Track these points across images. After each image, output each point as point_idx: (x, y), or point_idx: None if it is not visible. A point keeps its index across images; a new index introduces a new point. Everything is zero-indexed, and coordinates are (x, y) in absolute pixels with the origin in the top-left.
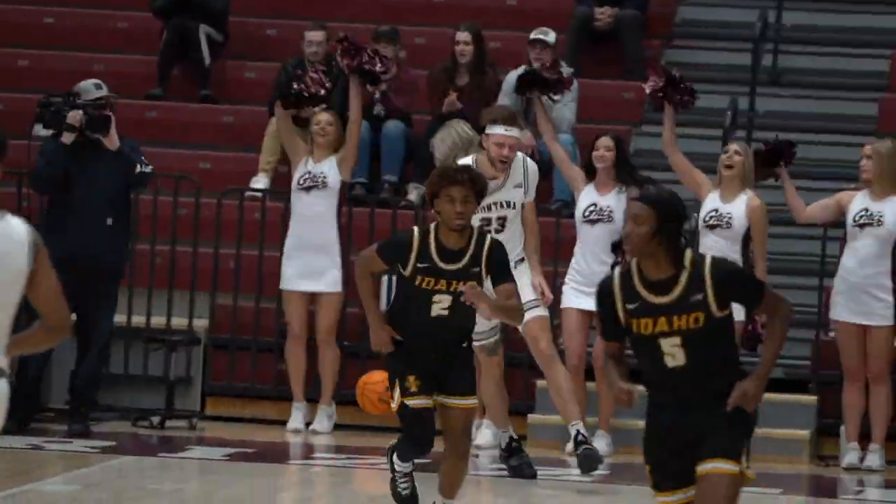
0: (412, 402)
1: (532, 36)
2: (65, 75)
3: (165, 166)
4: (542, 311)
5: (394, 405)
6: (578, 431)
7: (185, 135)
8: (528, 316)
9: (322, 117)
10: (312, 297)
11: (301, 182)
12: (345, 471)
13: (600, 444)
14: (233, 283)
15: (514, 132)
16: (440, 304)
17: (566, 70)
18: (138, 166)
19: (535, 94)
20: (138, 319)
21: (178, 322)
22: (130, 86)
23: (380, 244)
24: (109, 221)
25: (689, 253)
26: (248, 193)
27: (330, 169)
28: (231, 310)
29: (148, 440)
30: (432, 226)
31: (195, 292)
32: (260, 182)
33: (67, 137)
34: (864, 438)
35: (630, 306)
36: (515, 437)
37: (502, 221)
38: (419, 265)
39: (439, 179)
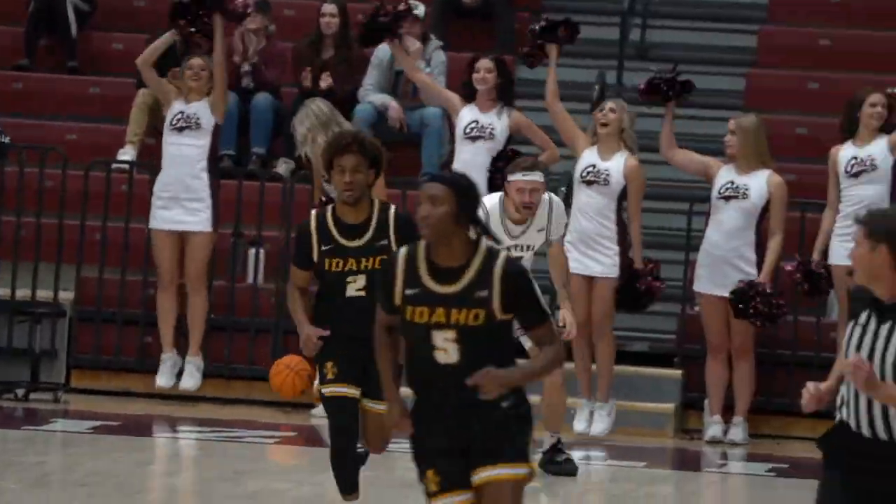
0: (327, 390)
1: (400, 8)
2: None
3: (32, 138)
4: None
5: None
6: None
7: (51, 106)
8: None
9: (195, 62)
10: (181, 241)
11: (174, 122)
12: (210, 444)
13: (737, 430)
14: (99, 255)
15: (533, 177)
16: (354, 285)
17: (415, 4)
18: None
19: (387, 40)
20: (3, 292)
21: (44, 294)
22: None
23: (292, 259)
24: None
25: (483, 244)
26: (114, 165)
27: (203, 110)
28: (97, 282)
29: (12, 413)
30: (330, 206)
31: (61, 265)
32: (127, 154)
33: None
34: (729, 412)
35: (409, 292)
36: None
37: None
38: (323, 248)
39: (328, 149)
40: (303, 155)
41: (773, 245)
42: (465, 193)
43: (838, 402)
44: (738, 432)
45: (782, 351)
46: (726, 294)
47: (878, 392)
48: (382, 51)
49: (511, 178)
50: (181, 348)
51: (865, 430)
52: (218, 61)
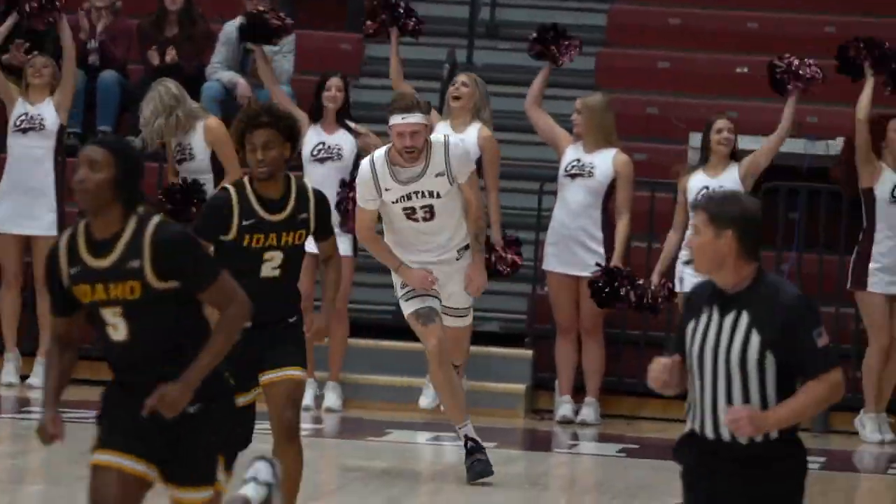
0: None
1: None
2: None
3: None
4: (459, 322)
5: None
6: (467, 436)
7: None
8: (450, 323)
9: (37, 60)
10: (28, 242)
11: (18, 124)
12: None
13: (588, 410)
14: None
15: (412, 118)
16: (271, 263)
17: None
18: None
19: (259, 43)
20: None
21: None
22: None
23: (194, 227)
24: None
25: (141, 211)
26: None
27: (47, 111)
28: None
29: None
30: (246, 179)
31: None
32: None
33: None
34: (580, 393)
35: (72, 270)
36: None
37: (428, 210)
38: (244, 223)
39: (237, 124)
40: (144, 139)
41: (622, 226)
42: (127, 160)
43: (686, 407)
44: (589, 413)
45: (632, 331)
46: (574, 273)
47: (770, 424)
48: (230, 28)
49: (391, 121)
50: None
51: (710, 433)
52: (68, 56)
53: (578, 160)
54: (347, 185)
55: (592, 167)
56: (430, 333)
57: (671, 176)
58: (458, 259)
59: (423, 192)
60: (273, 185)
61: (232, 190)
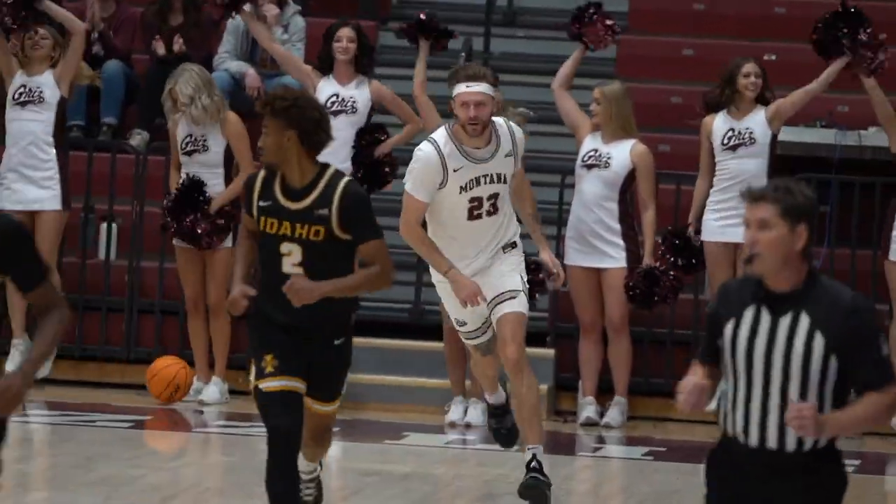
0: (266, 385)
1: None
2: None
3: None
4: (516, 307)
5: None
6: (534, 456)
7: None
8: (500, 311)
9: (38, 30)
10: (32, 221)
11: (16, 97)
12: (61, 429)
13: (614, 412)
14: None
15: (479, 87)
16: (290, 258)
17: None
18: None
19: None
20: None
21: None
22: None
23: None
24: None
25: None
26: None
27: (47, 83)
28: None
29: None
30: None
31: None
32: None
33: None
34: (605, 394)
35: (261, 203)
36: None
37: (494, 201)
38: (261, 203)
39: (260, 110)
40: (183, 115)
41: (648, 220)
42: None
43: (716, 407)
44: (614, 415)
45: (659, 330)
46: (594, 265)
47: (828, 428)
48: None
49: (455, 90)
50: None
51: (754, 440)
52: (77, 30)
53: (596, 150)
54: (365, 134)
55: (609, 158)
56: (502, 347)
57: (690, 124)
58: (504, 252)
59: (493, 176)
60: (300, 173)
61: (263, 169)
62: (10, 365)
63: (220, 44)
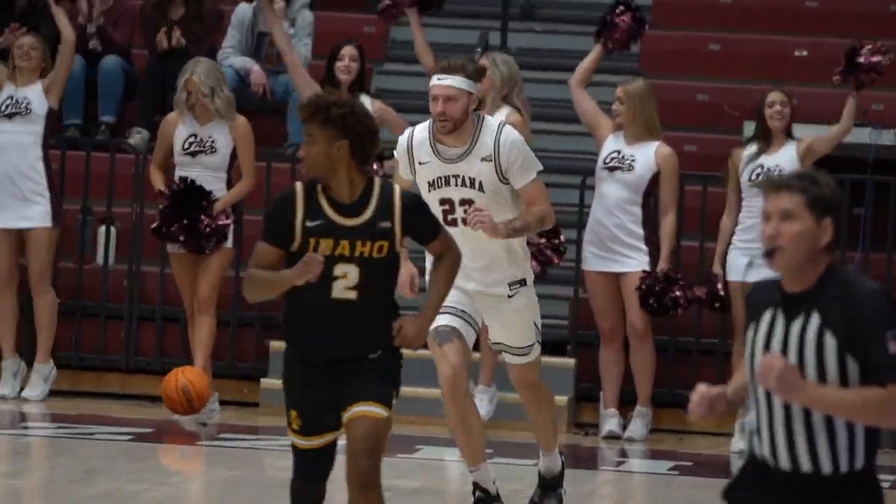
0: (293, 440)
1: None
2: None
3: None
4: (520, 359)
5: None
6: (476, 484)
7: None
8: (515, 361)
9: (25, 41)
10: (21, 240)
11: (3, 108)
12: (59, 441)
13: (637, 424)
14: None
15: (449, 80)
16: (344, 281)
17: None
18: None
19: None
20: None
21: None
22: None
23: (264, 227)
24: None
25: (377, 179)
26: None
27: (35, 95)
28: None
29: None
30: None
31: None
32: None
33: None
34: (630, 405)
35: (310, 223)
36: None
37: (469, 207)
38: (308, 224)
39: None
40: (192, 112)
41: (668, 226)
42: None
43: (741, 426)
44: (637, 427)
45: (684, 338)
46: (612, 270)
47: (800, 393)
48: (243, 10)
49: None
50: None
51: (784, 462)
52: (66, 37)
53: (619, 152)
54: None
55: (633, 160)
56: (444, 357)
57: (722, 122)
58: (510, 296)
59: (463, 179)
60: (348, 187)
61: (299, 186)
62: (3, 389)
63: (224, 38)
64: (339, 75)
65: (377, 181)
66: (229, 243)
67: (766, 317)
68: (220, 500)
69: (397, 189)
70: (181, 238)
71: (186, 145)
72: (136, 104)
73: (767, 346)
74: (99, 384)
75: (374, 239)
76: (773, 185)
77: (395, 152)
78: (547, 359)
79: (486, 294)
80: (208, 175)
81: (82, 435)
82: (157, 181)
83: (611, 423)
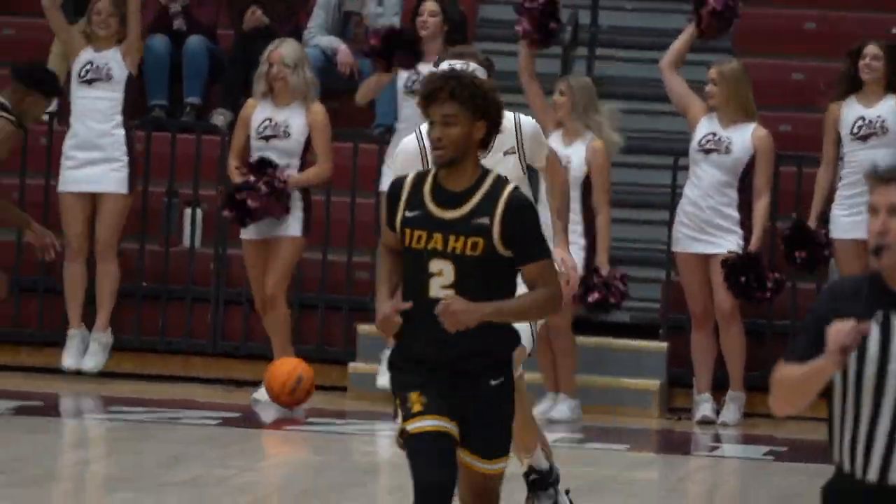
0: (414, 426)
1: None
2: None
3: None
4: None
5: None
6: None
7: None
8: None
9: (102, 6)
10: (93, 205)
11: (82, 74)
12: (145, 426)
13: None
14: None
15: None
16: (440, 279)
17: None
18: None
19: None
20: None
21: None
22: None
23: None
24: None
25: (494, 172)
26: None
27: (114, 60)
28: None
29: None
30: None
31: None
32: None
33: None
34: (722, 390)
35: (408, 213)
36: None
37: None
38: (408, 213)
39: (419, 94)
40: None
41: (761, 208)
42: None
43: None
44: (730, 411)
45: (779, 321)
46: (703, 251)
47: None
48: None
49: None
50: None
51: (873, 475)
52: (133, 6)
53: (714, 134)
54: None
55: (730, 143)
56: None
57: (819, 102)
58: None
59: None
60: (458, 174)
61: (411, 174)
62: (68, 360)
63: (310, 18)
64: (421, 31)
65: (492, 175)
66: (298, 231)
67: (873, 320)
68: (307, 486)
69: (510, 186)
70: (256, 206)
71: (261, 129)
72: (222, 85)
73: (885, 354)
74: (185, 368)
75: (468, 234)
76: (882, 176)
77: (391, 168)
78: (638, 342)
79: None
80: (281, 160)
81: (168, 419)
82: (232, 170)
83: (704, 407)
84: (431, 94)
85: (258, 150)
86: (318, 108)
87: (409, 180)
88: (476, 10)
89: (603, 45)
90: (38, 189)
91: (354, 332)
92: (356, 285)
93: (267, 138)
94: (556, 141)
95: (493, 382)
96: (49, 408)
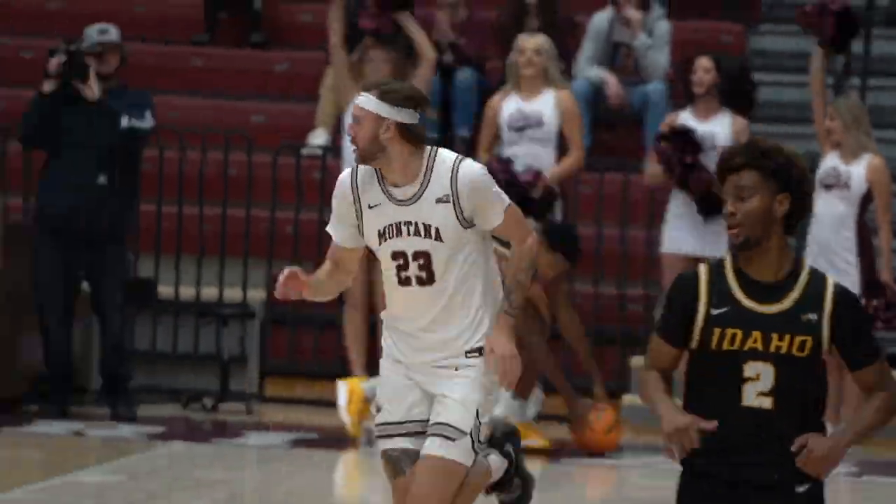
0: None
1: None
2: (103, 19)
3: (212, 120)
4: (441, 450)
5: None
6: None
7: (234, 85)
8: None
9: (375, 53)
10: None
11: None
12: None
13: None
14: (292, 249)
15: (358, 99)
16: (757, 384)
17: None
18: (126, 119)
19: None
20: (187, 292)
21: (231, 294)
22: (174, 31)
23: (660, 318)
24: (102, 180)
25: (805, 261)
26: (305, 151)
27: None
28: None
29: (199, 425)
30: (729, 255)
31: (248, 260)
32: (319, 137)
33: (47, 86)
34: None
35: (716, 311)
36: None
37: (423, 262)
38: (713, 311)
39: (718, 165)
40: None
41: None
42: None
43: None
44: None
45: None
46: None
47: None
48: (599, 20)
49: None
50: None
51: None
52: (425, 55)
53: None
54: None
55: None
56: (400, 490)
57: None
58: (466, 365)
59: (417, 226)
60: (763, 259)
61: (703, 266)
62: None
63: (580, 49)
64: (695, 88)
65: (805, 263)
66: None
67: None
68: None
69: (829, 278)
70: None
71: (512, 121)
72: None
73: None
74: None
75: (795, 333)
76: None
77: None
78: None
79: (436, 367)
80: (537, 149)
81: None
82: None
83: None
84: (732, 164)
85: (511, 144)
86: (567, 93)
87: (703, 274)
88: (745, 41)
89: (871, 74)
90: (312, 223)
91: (628, 364)
92: (629, 316)
93: (520, 129)
94: (833, 160)
95: (798, 489)
96: (327, 441)
